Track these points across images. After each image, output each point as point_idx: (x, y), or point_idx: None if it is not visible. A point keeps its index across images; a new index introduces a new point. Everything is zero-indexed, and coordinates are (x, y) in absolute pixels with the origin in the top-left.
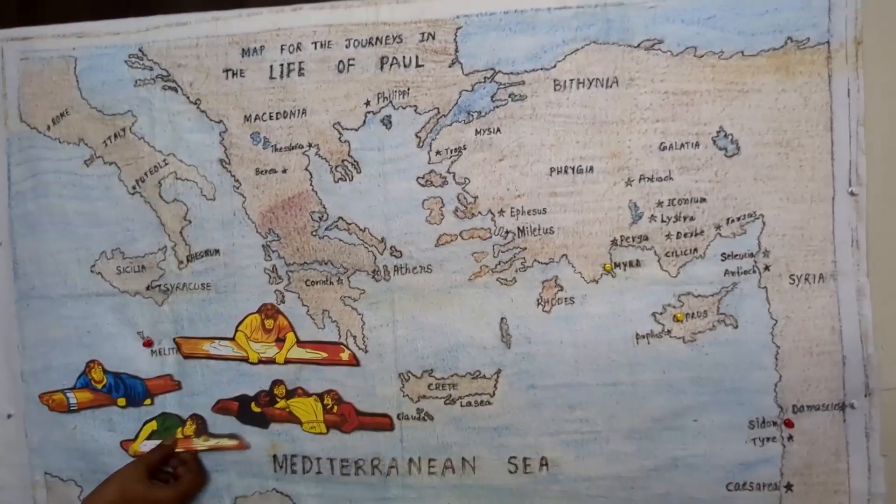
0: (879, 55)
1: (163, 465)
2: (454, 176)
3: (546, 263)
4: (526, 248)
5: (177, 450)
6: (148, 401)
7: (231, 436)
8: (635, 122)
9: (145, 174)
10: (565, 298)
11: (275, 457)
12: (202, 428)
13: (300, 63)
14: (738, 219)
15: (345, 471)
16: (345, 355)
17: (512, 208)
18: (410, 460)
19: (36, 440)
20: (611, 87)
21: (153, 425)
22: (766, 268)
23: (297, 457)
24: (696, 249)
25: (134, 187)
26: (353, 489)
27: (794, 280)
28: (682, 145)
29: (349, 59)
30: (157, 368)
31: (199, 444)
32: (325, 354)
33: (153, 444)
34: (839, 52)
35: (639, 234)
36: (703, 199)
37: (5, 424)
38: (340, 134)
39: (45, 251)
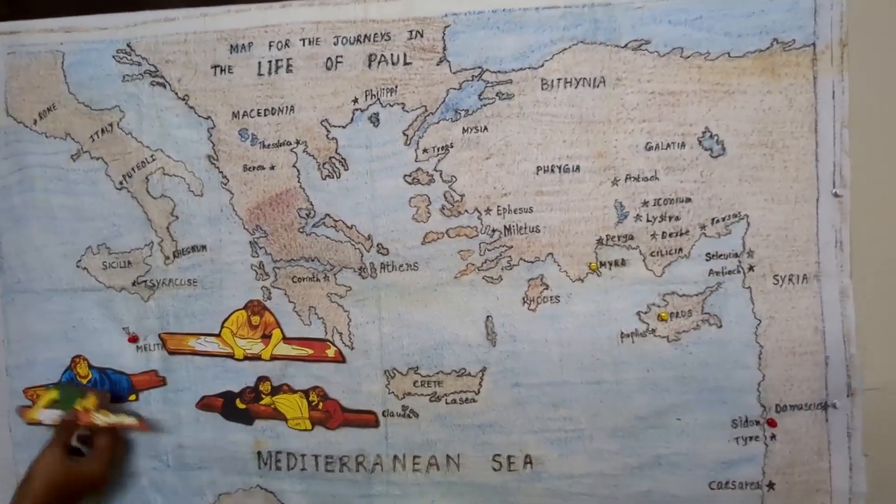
0: (864, 58)
1: (70, 437)
2: (441, 174)
3: (532, 262)
4: (512, 247)
5: (78, 423)
6: (133, 396)
7: (132, 413)
8: (622, 122)
9: (132, 169)
10: (551, 297)
11: (259, 453)
12: (103, 403)
13: (288, 60)
14: (723, 219)
15: (329, 467)
16: (331, 352)
17: (498, 207)
18: (395, 457)
19: (20, 436)
20: (598, 86)
21: (54, 394)
22: (751, 268)
23: (282, 453)
24: (681, 249)
25: (121, 182)
26: (337, 486)
27: (777, 280)
28: (668, 145)
29: (337, 57)
30: (143, 364)
31: (98, 418)
32: (311, 351)
33: (51, 412)
34: (824, 54)
35: (624, 234)
36: (689, 200)
37: None
38: (328, 131)
39: (31, 245)
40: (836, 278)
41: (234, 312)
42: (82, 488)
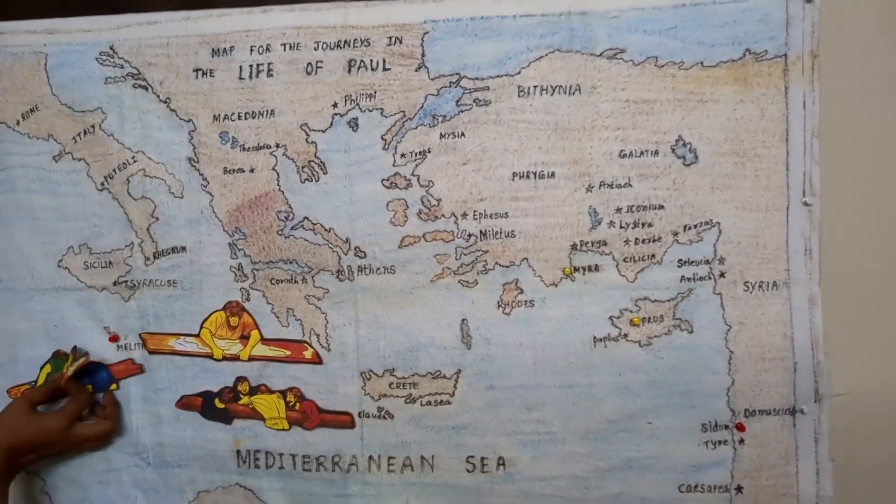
0: (835, 69)
1: (48, 400)
2: (418, 178)
3: (507, 266)
4: (488, 251)
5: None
6: (114, 385)
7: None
8: (596, 130)
9: (114, 171)
10: (525, 301)
11: (238, 452)
12: (77, 358)
13: (269, 64)
14: (695, 226)
15: (306, 466)
16: (308, 353)
17: (475, 211)
18: (370, 458)
19: None
20: (573, 94)
21: (48, 368)
22: (722, 274)
23: (261, 452)
24: (653, 255)
25: (102, 184)
26: (314, 484)
27: (748, 287)
28: (642, 153)
29: (317, 62)
30: None
31: (69, 369)
32: (288, 352)
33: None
34: (796, 64)
35: (598, 240)
36: (662, 207)
37: None
38: (307, 135)
39: (13, 245)
40: (805, 286)
41: (213, 313)
42: (44, 438)
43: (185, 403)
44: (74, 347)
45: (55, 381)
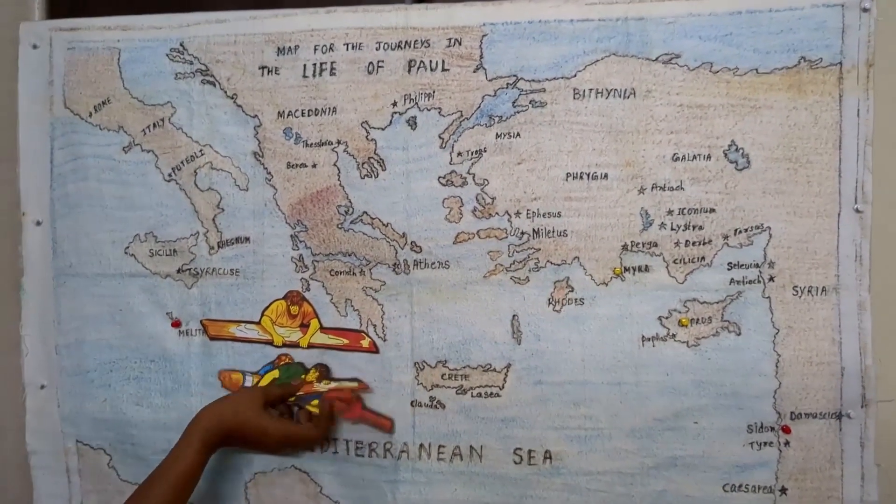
0: (890, 78)
1: (282, 402)
2: (474, 177)
3: (558, 265)
4: (540, 250)
5: (298, 393)
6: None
7: (352, 379)
8: (650, 133)
9: (181, 163)
10: (575, 299)
11: None
12: (325, 374)
13: (332, 63)
14: (746, 230)
15: (359, 452)
16: (365, 342)
17: (528, 210)
18: (421, 446)
19: (68, 410)
20: (628, 97)
21: (275, 374)
22: (771, 278)
23: None
24: (703, 258)
25: (170, 175)
26: (366, 470)
27: (797, 291)
28: (695, 157)
29: (378, 61)
30: (184, 348)
31: (321, 387)
32: (346, 341)
33: None
34: (851, 73)
35: (649, 241)
36: (713, 210)
37: (39, 395)
38: (368, 132)
39: (83, 231)
40: (855, 291)
41: (273, 302)
42: (256, 436)
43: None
44: (320, 364)
45: (296, 385)
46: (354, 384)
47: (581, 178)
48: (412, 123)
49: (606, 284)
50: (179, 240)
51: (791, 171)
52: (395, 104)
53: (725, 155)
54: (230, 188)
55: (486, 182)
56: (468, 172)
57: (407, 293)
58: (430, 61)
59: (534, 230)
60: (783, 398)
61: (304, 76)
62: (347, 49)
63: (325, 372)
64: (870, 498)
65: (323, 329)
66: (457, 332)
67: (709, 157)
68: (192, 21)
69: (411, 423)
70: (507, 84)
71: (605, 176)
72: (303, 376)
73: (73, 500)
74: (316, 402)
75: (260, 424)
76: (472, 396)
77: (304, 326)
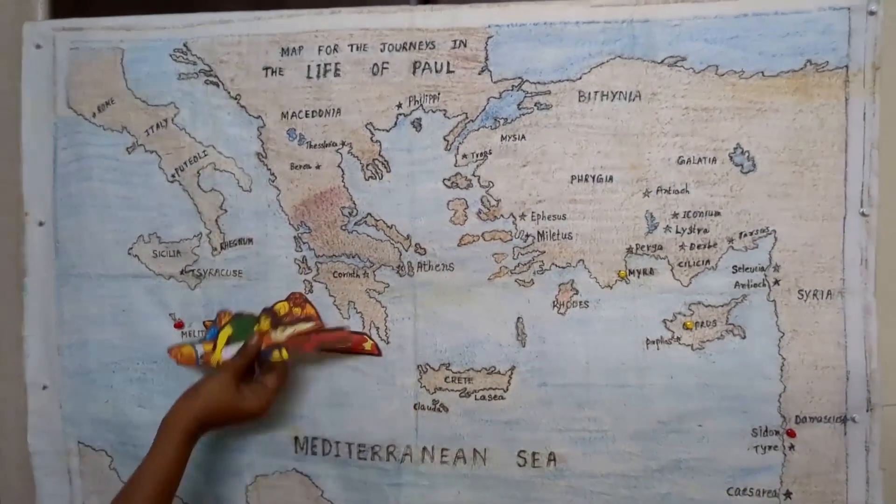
0: None
1: (250, 368)
2: (479, 179)
3: (563, 267)
4: (544, 252)
5: (262, 349)
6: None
7: (306, 319)
8: (655, 136)
9: (185, 163)
10: (580, 302)
11: (296, 438)
12: (277, 320)
13: (336, 64)
14: (751, 233)
15: (362, 455)
16: (367, 345)
17: (533, 213)
18: (424, 449)
19: (70, 411)
20: (633, 100)
21: (228, 331)
22: (776, 282)
23: (318, 439)
24: (708, 261)
25: (173, 175)
26: (368, 473)
27: (802, 295)
28: (700, 160)
29: (383, 63)
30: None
31: (279, 335)
32: (349, 343)
33: (232, 348)
34: (857, 76)
35: (654, 244)
36: (718, 213)
37: (41, 395)
38: (372, 134)
39: (86, 232)
40: (860, 295)
41: (277, 303)
42: (238, 418)
43: None
44: (266, 309)
45: (255, 344)
46: (310, 324)
47: (586, 180)
48: (417, 125)
49: (611, 287)
50: (183, 241)
51: (797, 174)
52: (399, 106)
53: (731, 158)
54: (233, 189)
55: (490, 184)
56: (473, 174)
57: (411, 295)
58: (435, 63)
59: (539, 233)
60: (788, 402)
61: (309, 77)
62: (352, 50)
63: (275, 317)
64: (874, 502)
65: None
66: (461, 334)
67: (714, 160)
68: (195, 21)
69: (414, 426)
70: (513, 86)
71: (611, 178)
72: (256, 327)
73: (74, 502)
74: (277, 353)
75: (240, 407)
76: (475, 399)
77: None
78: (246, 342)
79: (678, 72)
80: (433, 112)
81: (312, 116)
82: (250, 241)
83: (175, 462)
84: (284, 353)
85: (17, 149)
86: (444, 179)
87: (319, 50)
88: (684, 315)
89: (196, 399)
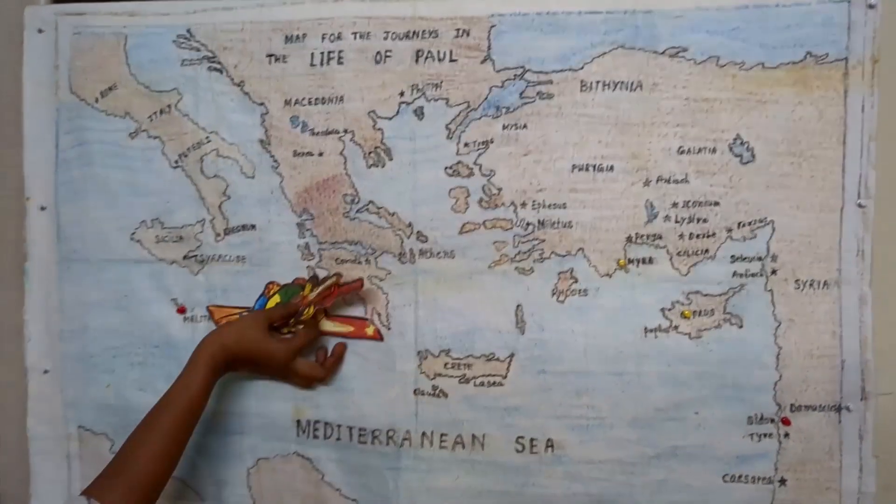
0: (895, 74)
1: (285, 323)
2: (480, 168)
3: (563, 256)
4: (545, 240)
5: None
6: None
7: (329, 276)
8: (656, 126)
9: (188, 150)
10: (579, 290)
11: (298, 422)
12: (315, 283)
13: (340, 52)
14: (749, 223)
15: (362, 439)
16: (369, 330)
17: (534, 201)
18: (424, 434)
19: (70, 395)
20: (635, 90)
21: (276, 299)
22: (773, 272)
23: (320, 423)
24: (707, 250)
25: (176, 161)
26: (368, 457)
27: (799, 285)
28: (700, 150)
29: (386, 51)
30: (189, 335)
31: (311, 297)
32: (351, 328)
33: None
34: (856, 69)
35: (653, 233)
36: (717, 203)
37: (42, 380)
38: (375, 122)
39: (88, 217)
40: (856, 285)
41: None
42: (263, 358)
43: None
44: (313, 275)
45: (296, 304)
46: (332, 279)
47: (587, 169)
48: (419, 113)
49: (610, 276)
50: (186, 226)
51: (795, 165)
52: (402, 94)
53: (730, 148)
54: (236, 175)
55: (492, 173)
56: (475, 163)
57: (412, 282)
58: (438, 52)
59: (539, 221)
60: (783, 390)
61: (312, 64)
62: (355, 38)
63: (315, 281)
64: (867, 489)
65: (328, 316)
66: (461, 321)
67: (714, 150)
68: (199, 8)
69: (414, 411)
70: (515, 75)
71: (611, 168)
72: (301, 294)
73: (71, 486)
74: (306, 311)
75: (266, 348)
76: (475, 385)
77: None
78: (288, 301)
79: (679, 62)
80: (435, 100)
81: (315, 104)
82: (253, 227)
83: (201, 389)
84: (311, 310)
85: (19, 133)
86: (446, 168)
87: (323, 38)
88: (682, 304)
89: (227, 330)
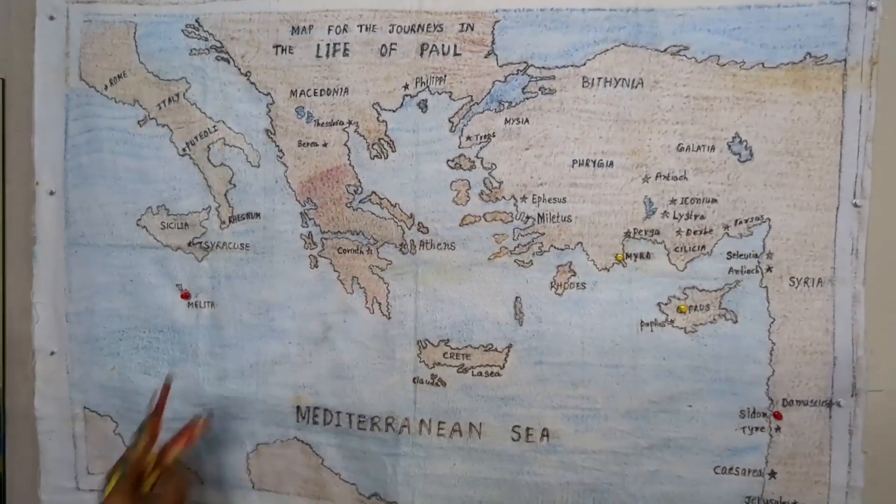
0: (893, 76)
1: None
2: (482, 161)
3: (562, 249)
4: (544, 234)
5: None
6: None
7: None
8: (656, 123)
9: (195, 138)
10: (577, 283)
11: (298, 408)
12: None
13: (345, 44)
14: (746, 221)
15: (361, 426)
16: (199, 424)
17: (534, 195)
18: (422, 421)
19: (77, 377)
20: (636, 87)
21: (115, 479)
22: (769, 269)
23: (319, 409)
24: (703, 246)
25: (184, 149)
26: (367, 443)
27: (793, 282)
28: (699, 148)
29: (391, 44)
30: (193, 320)
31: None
32: (186, 437)
33: None
34: (855, 70)
35: (651, 229)
36: (715, 200)
37: (49, 361)
38: (379, 114)
39: (95, 202)
40: (850, 284)
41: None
42: None
43: None
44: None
45: (136, 462)
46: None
47: (587, 165)
48: (423, 106)
49: (608, 270)
50: (191, 213)
51: (792, 164)
52: (406, 87)
53: (729, 147)
54: (242, 164)
55: (493, 166)
56: (476, 156)
57: (412, 273)
58: (443, 45)
59: (539, 215)
60: (776, 385)
61: (318, 56)
62: (361, 31)
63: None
64: (856, 483)
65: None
66: (460, 312)
67: (713, 148)
68: None
69: (413, 398)
70: (518, 70)
71: (611, 164)
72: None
73: (78, 465)
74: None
75: None
76: (472, 375)
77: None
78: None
79: (680, 61)
80: (439, 94)
81: (321, 95)
82: (258, 215)
83: None
84: (152, 477)
85: (29, 119)
86: (448, 160)
87: (329, 29)
88: (679, 299)
89: None
